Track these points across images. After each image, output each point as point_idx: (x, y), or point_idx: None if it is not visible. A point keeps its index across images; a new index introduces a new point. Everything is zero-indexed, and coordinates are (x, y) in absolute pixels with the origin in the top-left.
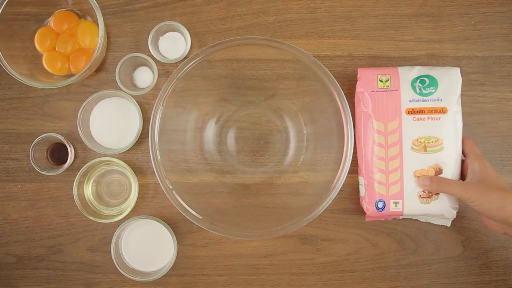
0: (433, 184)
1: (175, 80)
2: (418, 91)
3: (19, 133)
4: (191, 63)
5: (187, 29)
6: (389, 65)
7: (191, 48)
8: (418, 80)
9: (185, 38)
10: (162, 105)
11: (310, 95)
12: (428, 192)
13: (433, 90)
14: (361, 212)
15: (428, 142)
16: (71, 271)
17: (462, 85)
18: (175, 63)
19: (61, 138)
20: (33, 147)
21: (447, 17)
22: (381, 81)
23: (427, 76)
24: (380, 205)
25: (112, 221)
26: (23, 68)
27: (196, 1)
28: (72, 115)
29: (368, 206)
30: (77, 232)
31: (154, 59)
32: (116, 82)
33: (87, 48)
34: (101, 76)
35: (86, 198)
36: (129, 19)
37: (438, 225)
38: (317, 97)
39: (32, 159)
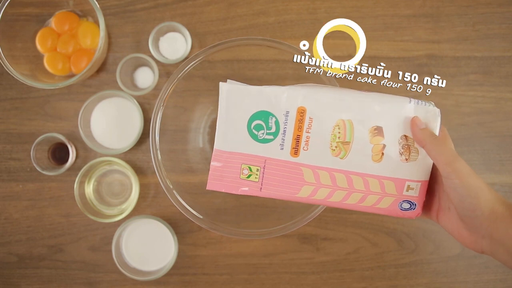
0: (429, 130)
1: (175, 80)
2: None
3: (20, 133)
4: (192, 63)
5: (187, 29)
6: (389, 66)
7: (191, 48)
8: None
9: (185, 39)
10: (162, 105)
11: None
12: (406, 149)
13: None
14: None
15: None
16: (72, 270)
17: (461, 85)
18: (176, 63)
19: (62, 138)
20: (34, 147)
21: (446, 17)
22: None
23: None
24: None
25: (113, 220)
26: (24, 69)
27: (196, 2)
28: (73, 115)
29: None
30: (78, 232)
31: (154, 59)
32: (117, 83)
33: (88, 49)
34: (102, 76)
35: (87, 198)
36: (129, 20)
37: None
38: None
39: (33, 159)
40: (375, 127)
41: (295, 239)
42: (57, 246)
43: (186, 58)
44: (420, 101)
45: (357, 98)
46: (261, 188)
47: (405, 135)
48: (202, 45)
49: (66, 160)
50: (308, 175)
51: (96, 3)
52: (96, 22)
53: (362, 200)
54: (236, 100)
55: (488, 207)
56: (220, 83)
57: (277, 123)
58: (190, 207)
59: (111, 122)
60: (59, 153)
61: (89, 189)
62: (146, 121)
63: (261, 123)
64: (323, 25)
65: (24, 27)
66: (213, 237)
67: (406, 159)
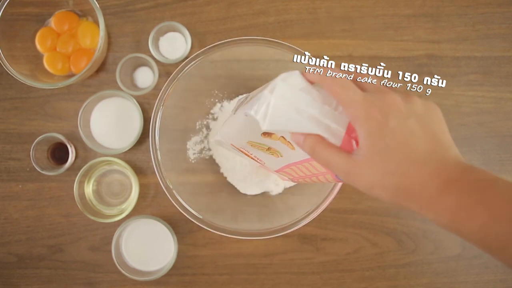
0: (307, 142)
1: (175, 80)
2: None
3: (20, 133)
4: (192, 63)
5: (187, 29)
6: (389, 65)
7: (191, 48)
8: None
9: (185, 38)
10: (162, 105)
11: None
12: None
13: None
14: (361, 211)
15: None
16: (72, 270)
17: (461, 85)
18: (176, 63)
19: (62, 138)
20: (34, 147)
21: (446, 17)
22: None
23: None
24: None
25: (112, 220)
26: (24, 68)
27: (196, 2)
28: (73, 115)
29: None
30: (78, 232)
31: (154, 59)
32: (117, 82)
33: (87, 48)
34: (101, 76)
35: (87, 198)
36: (129, 20)
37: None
38: None
39: (33, 159)
40: (262, 133)
41: (295, 239)
42: (56, 246)
43: (186, 58)
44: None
45: (236, 129)
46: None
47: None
48: (202, 45)
49: (66, 160)
50: (285, 174)
51: (96, 2)
52: (96, 22)
53: (324, 180)
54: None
55: (395, 199)
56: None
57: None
58: (190, 207)
59: (110, 122)
60: (58, 153)
61: (88, 189)
62: (146, 121)
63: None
64: (323, 24)
65: (23, 27)
66: (213, 237)
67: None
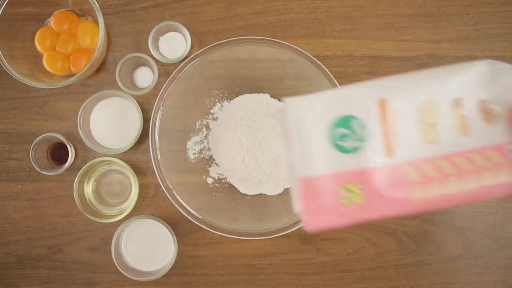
0: None
1: (175, 80)
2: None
3: (19, 133)
4: (191, 63)
5: (187, 29)
6: (389, 65)
7: (191, 48)
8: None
9: (185, 38)
10: (162, 105)
11: None
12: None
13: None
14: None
15: None
16: (71, 270)
17: None
18: (175, 63)
19: (61, 138)
20: (33, 147)
21: (447, 17)
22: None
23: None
24: None
25: (112, 221)
26: (23, 68)
27: (196, 1)
28: (73, 115)
29: None
30: (77, 232)
31: (154, 59)
32: (117, 82)
33: (87, 48)
34: (101, 76)
35: (87, 198)
36: (129, 19)
37: (438, 225)
38: None
39: (32, 159)
40: (454, 99)
41: (295, 239)
42: (56, 247)
43: (185, 57)
44: (489, 60)
45: (431, 76)
46: (369, 208)
47: (481, 99)
48: (202, 45)
49: (65, 160)
50: (412, 173)
51: (96, 2)
52: (96, 22)
53: (479, 181)
54: (306, 114)
55: None
56: (285, 99)
57: (361, 125)
58: (190, 207)
59: (110, 122)
60: (58, 153)
61: (88, 189)
62: (146, 121)
63: (344, 131)
64: (324, 24)
65: (23, 27)
66: (213, 237)
67: (491, 123)
